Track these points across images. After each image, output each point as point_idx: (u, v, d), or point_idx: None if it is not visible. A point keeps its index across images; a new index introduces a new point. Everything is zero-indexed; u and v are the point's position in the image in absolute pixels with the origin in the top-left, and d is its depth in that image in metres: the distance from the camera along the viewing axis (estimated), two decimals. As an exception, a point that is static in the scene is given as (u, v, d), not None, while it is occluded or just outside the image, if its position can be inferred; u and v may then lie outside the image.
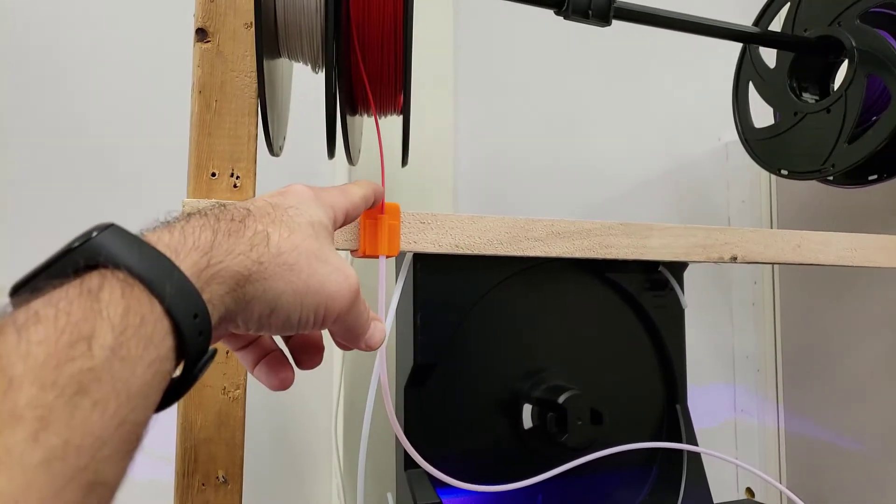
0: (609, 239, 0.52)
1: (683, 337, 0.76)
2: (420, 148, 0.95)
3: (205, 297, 0.25)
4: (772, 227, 1.12)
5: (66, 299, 0.21)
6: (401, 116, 0.51)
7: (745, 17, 0.83)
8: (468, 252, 0.47)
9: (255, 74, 0.43)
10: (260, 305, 0.28)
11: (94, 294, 0.22)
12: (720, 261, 0.55)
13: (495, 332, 0.66)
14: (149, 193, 0.76)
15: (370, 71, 0.48)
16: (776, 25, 0.82)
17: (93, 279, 0.22)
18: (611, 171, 1.11)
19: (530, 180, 1.06)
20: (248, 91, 0.44)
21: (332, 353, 0.87)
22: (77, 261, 0.23)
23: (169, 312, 0.24)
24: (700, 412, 1.15)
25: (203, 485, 0.42)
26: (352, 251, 0.44)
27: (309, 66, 0.52)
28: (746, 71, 0.85)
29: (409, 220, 0.46)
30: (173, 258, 0.25)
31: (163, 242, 0.25)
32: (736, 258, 0.56)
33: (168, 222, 0.27)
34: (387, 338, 0.44)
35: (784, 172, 0.78)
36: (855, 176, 0.77)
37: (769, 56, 0.82)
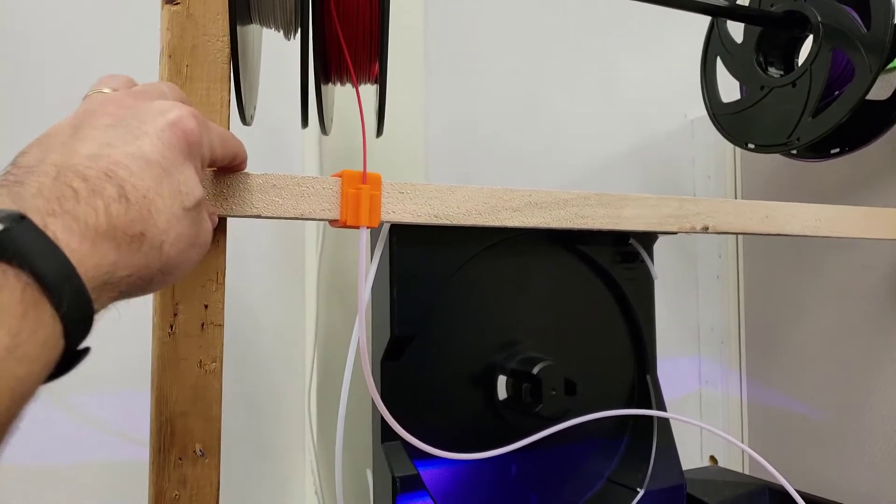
0: (585, 209, 0.52)
1: (653, 308, 0.78)
2: (391, 119, 0.94)
3: (96, 306, 0.26)
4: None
5: None
6: (375, 85, 0.50)
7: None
8: (447, 223, 0.47)
9: (227, 39, 0.42)
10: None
11: None
12: (692, 230, 0.56)
13: (470, 305, 0.66)
14: None
15: (345, 38, 0.47)
16: (744, 1, 0.83)
17: None
18: (578, 149, 1.12)
19: (499, 156, 1.06)
20: (220, 56, 0.42)
21: (305, 328, 0.87)
22: None
23: (63, 320, 0.24)
24: (667, 383, 1.18)
25: (180, 459, 0.42)
26: (331, 221, 0.43)
27: (281, 33, 0.51)
28: (714, 46, 0.86)
29: (388, 190, 0.45)
30: (77, 266, 0.25)
31: (70, 246, 0.25)
32: (707, 228, 0.57)
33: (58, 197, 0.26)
34: (363, 316, 0.44)
35: (751, 146, 0.80)
36: (818, 149, 0.79)
37: (737, 31, 0.83)
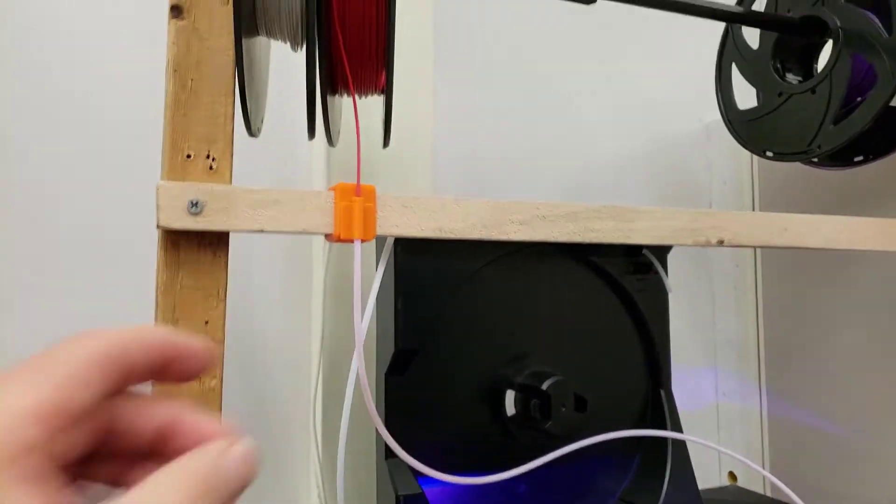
0: (595, 223, 0.51)
1: (667, 321, 0.76)
2: (399, 129, 0.94)
3: None
4: (754, 210, 1.12)
5: None
6: (382, 96, 0.49)
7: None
8: (451, 236, 0.46)
9: (233, 52, 0.41)
10: None
11: None
12: (707, 244, 0.55)
13: (478, 318, 0.65)
14: (120, 175, 0.73)
15: (351, 48, 0.46)
16: (759, 5, 0.81)
17: None
18: (591, 154, 1.10)
19: (510, 162, 1.05)
20: (225, 70, 0.42)
21: (311, 337, 0.86)
22: None
23: None
24: (683, 396, 1.16)
25: (179, 478, 0.41)
26: (326, 235, 0.43)
27: (288, 45, 0.50)
28: (729, 52, 0.84)
29: (391, 204, 0.44)
30: None
31: None
32: (723, 241, 0.55)
33: None
34: (364, 330, 0.43)
35: (769, 154, 0.78)
36: (840, 157, 0.77)
37: (752, 37, 0.81)
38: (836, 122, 0.69)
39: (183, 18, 0.41)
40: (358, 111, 0.46)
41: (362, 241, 0.42)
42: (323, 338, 0.82)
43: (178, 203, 0.39)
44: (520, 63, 1.06)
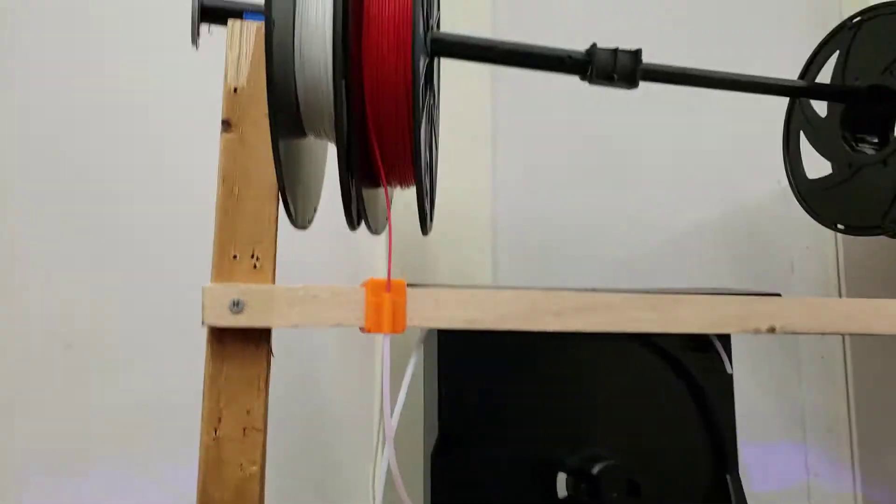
0: (633, 312, 0.50)
1: (732, 400, 0.72)
2: (456, 204, 0.97)
3: None
4: (838, 275, 1.06)
5: None
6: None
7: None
8: (481, 328, 0.47)
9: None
10: None
11: None
12: (757, 331, 0.53)
13: (527, 398, 0.65)
14: (174, 274, 0.79)
15: (386, 146, 0.49)
16: (827, 71, 0.78)
17: None
18: (660, 218, 1.08)
19: (574, 232, 1.05)
20: (268, 175, 0.46)
21: (373, 406, 0.88)
22: None
23: None
24: (768, 473, 1.09)
25: (222, 560, 0.43)
26: (360, 328, 0.45)
27: (333, 142, 0.54)
28: (797, 120, 0.82)
29: (420, 297, 0.46)
30: None
31: None
32: (774, 329, 0.53)
33: None
34: (395, 423, 0.45)
35: (840, 227, 0.74)
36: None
37: (820, 104, 0.78)
38: (910, 195, 0.65)
39: (231, 131, 0.45)
40: (392, 201, 0.48)
41: (393, 333, 0.44)
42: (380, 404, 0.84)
43: (221, 303, 0.42)
44: (581, 119, 1.06)
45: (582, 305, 0.49)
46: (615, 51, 0.60)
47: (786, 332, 0.53)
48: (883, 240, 0.91)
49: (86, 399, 0.82)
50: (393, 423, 0.45)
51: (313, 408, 0.87)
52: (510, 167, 1.02)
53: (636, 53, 0.60)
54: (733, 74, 0.66)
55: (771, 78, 0.70)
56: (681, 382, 0.71)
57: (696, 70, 0.64)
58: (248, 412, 0.45)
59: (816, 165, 0.80)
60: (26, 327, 0.82)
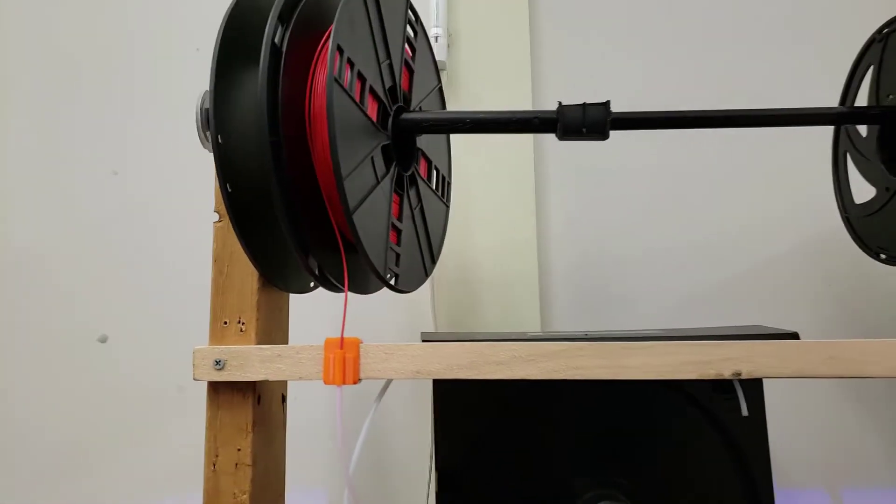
0: (578, 360, 0.53)
1: (765, 443, 0.69)
2: (502, 253, 1.01)
3: None
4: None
5: None
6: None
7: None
8: (429, 377, 0.53)
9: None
10: None
11: None
12: (719, 377, 0.52)
13: (529, 435, 0.68)
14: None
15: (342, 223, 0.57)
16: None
17: None
18: (726, 250, 1.04)
19: (629, 272, 1.04)
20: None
21: (425, 441, 0.95)
22: None
23: None
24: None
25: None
26: (323, 380, 0.53)
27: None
28: (843, 142, 0.77)
29: (373, 352, 0.53)
30: None
31: None
32: (740, 374, 0.52)
33: None
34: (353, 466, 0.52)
35: (883, 256, 0.68)
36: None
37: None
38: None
39: (221, 221, 0.56)
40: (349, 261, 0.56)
41: (346, 385, 0.52)
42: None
43: (207, 362, 0.53)
44: (636, 153, 1.06)
45: (525, 355, 0.53)
46: (583, 105, 0.63)
47: (753, 378, 0.52)
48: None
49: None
50: (350, 470, 0.51)
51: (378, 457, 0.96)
52: (557, 211, 1.05)
53: (605, 105, 0.63)
54: (721, 111, 0.65)
55: (808, 109, 0.66)
56: (704, 425, 0.69)
57: (671, 112, 0.64)
58: (238, 450, 0.54)
59: (866, 189, 0.74)
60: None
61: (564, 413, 0.69)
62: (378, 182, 0.57)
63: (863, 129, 0.73)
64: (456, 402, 0.66)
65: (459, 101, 1.08)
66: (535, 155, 1.04)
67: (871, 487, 0.99)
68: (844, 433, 1.00)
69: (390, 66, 0.63)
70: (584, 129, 0.63)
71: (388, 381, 0.57)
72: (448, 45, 1.09)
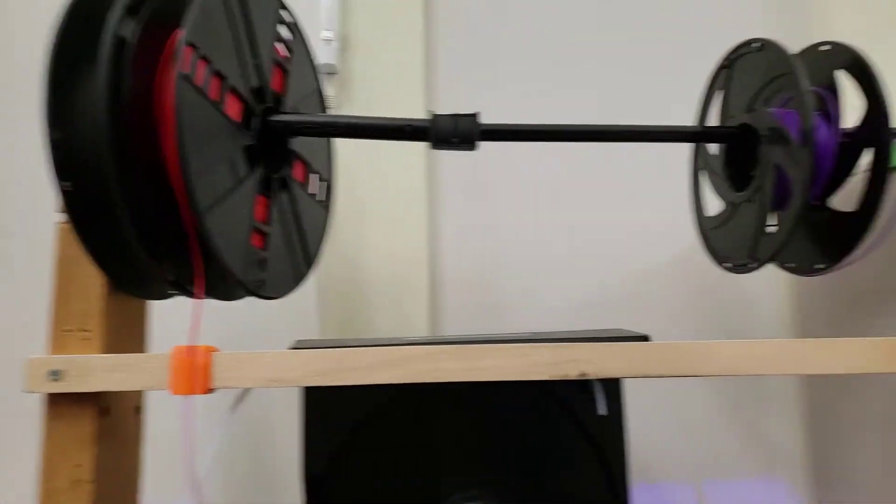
0: (437, 364, 0.53)
1: (622, 441, 0.72)
2: (394, 256, 1.02)
3: None
4: (792, 306, 1.03)
5: None
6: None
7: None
8: (285, 385, 0.52)
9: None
10: None
11: None
12: (565, 377, 0.54)
13: (399, 441, 0.68)
14: None
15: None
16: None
17: None
18: (609, 258, 1.09)
19: (523, 273, 1.07)
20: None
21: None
22: None
23: None
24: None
25: None
26: (170, 390, 0.51)
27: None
28: (700, 160, 0.82)
29: (225, 360, 0.51)
30: None
31: None
32: (586, 374, 0.55)
33: None
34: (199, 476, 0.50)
35: (727, 265, 0.74)
36: (804, 265, 0.71)
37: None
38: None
39: (66, 223, 0.52)
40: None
41: (196, 394, 0.50)
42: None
43: (40, 373, 0.49)
44: (526, 172, 1.10)
45: (383, 360, 0.53)
46: (455, 116, 0.64)
47: (599, 378, 0.55)
48: (826, 278, 0.89)
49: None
50: (196, 481, 0.50)
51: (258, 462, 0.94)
52: (450, 218, 1.07)
53: (474, 117, 0.65)
54: (588, 126, 0.68)
55: (664, 126, 0.71)
56: (567, 424, 0.72)
57: (540, 126, 0.67)
58: (77, 466, 0.51)
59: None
60: None
61: (435, 416, 0.70)
62: (239, 183, 0.56)
63: (714, 148, 0.78)
64: (323, 409, 0.65)
65: (353, 107, 1.07)
66: (428, 162, 1.05)
67: (730, 479, 1.07)
68: (706, 429, 1.07)
69: (258, 66, 0.62)
70: (454, 139, 0.64)
71: (245, 391, 0.55)
72: (341, 50, 1.08)
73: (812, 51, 0.69)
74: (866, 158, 0.62)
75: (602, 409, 0.70)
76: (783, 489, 1.05)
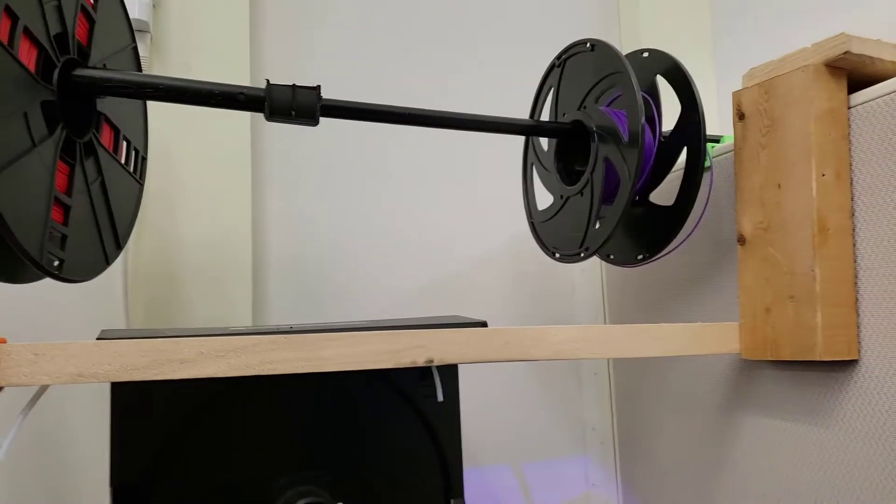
0: (272, 354, 0.49)
1: (458, 427, 0.73)
2: (215, 247, 0.94)
3: None
4: (603, 298, 1.12)
5: None
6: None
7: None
8: (95, 381, 0.45)
9: None
10: None
11: None
12: (413, 364, 0.53)
13: (226, 440, 0.63)
14: None
15: None
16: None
17: None
18: (450, 247, 1.11)
19: (354, 261, 1.05)
20: None
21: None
22: None
23: None
24: (553, 486, 1.12)
25: None
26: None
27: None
28: (531, 155, 0.86)
29: (18, 353, 0.43)
30: None
31: None
32: (433, 360, 0.54)
33: None
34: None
35: (557, 255, 0.78)
36: (627, 256, 0.77)
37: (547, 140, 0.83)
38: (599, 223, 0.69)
39: None
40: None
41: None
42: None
43: None
44: (359, 157, 1.07)
45: (213, 351, 0.48)
46: (293, 87, 0.60)
47: (444, 364, 0.55)
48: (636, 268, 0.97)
49: None
50: None
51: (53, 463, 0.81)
52: (276, 203, 1.01)
53: (316, 90, 0.61)
54: (428, 111, 0.67)
55: (499, 118, 0.72)
56: (405, 412, 0.72)
57: (382, 106, 0.65)
58: None
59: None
60: None
61: (264, 410, 0.65)
62: (34, 145, 0.47)
63: (545, 144, 0.82)
64: (137, 407, 0.58)
65: (167, 70, 0.97)
66: (253, 141, 0.98)
67: (549, 459, 1.14)
68: (526, 413, 1.13)
69: (59, 8, 0.52)
70: (293, 112, 0.60)
71: (43, 388, 0.47)
72: (153, 6, 0.97)
73: (636, 56, 0.74)
74: (682, 158, 0.68)
75: (440, 395, 0.70)
76: (594, 467, 1.14)
